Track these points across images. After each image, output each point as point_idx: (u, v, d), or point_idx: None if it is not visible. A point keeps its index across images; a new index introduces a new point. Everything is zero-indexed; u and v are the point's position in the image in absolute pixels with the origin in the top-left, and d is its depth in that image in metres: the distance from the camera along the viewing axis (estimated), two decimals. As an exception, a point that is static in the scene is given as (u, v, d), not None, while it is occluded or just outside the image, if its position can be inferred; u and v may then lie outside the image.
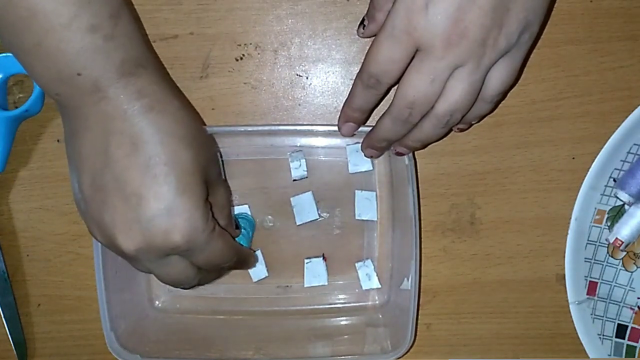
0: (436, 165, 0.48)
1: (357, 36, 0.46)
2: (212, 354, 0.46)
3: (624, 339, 0.48)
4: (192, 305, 0.50)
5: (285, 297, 0.49)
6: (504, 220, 0.48)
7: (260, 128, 0.46)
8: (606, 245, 0.47)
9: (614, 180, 0.46)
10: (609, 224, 0.47)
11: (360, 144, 0.45)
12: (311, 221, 0.48)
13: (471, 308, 0.49)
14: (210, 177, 0.38)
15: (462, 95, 0.36)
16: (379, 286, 0.48)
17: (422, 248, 0.47)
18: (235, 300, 0.49)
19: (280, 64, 0.47)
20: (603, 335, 0.47)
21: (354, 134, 0.43)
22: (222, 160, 0.47)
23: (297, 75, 0.47)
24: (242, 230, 0.46)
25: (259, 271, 0.48)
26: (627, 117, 0.45)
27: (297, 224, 0.48)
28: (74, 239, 0.49)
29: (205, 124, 0.46)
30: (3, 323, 0.48)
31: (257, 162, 0.48)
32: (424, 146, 0.42)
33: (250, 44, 0.47)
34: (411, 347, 0.43)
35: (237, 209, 0.48)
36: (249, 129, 0.46)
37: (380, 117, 0.40)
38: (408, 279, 0.44)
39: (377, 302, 0.49)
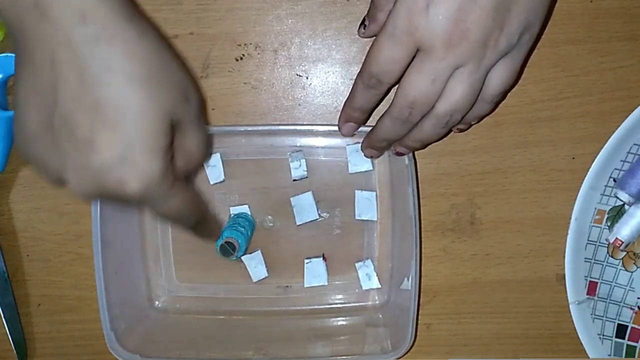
0: (436, 165, 0.48)
1: (357, 36, 0.46)
2: (212, 354, 0.46)
3: (624, 339, 0.48)
4: (192, 305, 0.50)
5: (285, 297, 0.49)
6: (504, 220, 0.48)
7: (260, 128, 0.46)
8: (606, 245, 0.47)
9: (614, 180, 0.46)
10: (609, 224, 0.47)
11: (360, 144, 0.45)
12: (311, 221, 0.48)
13: (471, 308, 0.49)
14: (178, 120, 0.34)
15: (463, 95, 0.36)
16: (379, 286, 0.48)
17: (422, 248, 0.47)
18: (235, 300, 0.49)
19: (280, 64, 0.47)
20: (603, 335, 0.47)
21: (354, 134, 0.43)
22: (223, 161, 0.47)
23: (297, 75, 0.47)
24: (242, 230, 0.46)
25: (259, 271, 0.48)
26: (627, 117, 0.45)
27: (297, 224, 0.48)
28: (74, 239, 0.49)
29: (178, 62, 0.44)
30: (3, 323, 0.48)
31: (257, 162, 0.48)
32: (424, 146, 0.42)
33: (250, 44, 0.47)
34: (411, 347, 0.43)
35: (237, 209, 0.48)
36: (249, 129, 0.45)
37: (381, 117, 0.40)
38: (408, 279, 0.44)
39: (377, 302, 0.49)
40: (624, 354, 0.48)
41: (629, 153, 0.46)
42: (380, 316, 0.48)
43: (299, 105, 0.48)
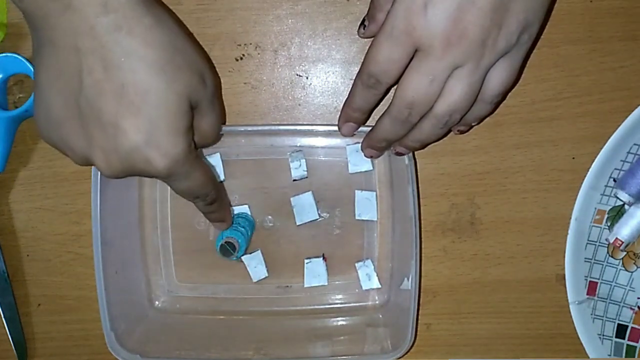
0: (436, 165, 0.48)
1: (357, 36, 0.46)
2: (212, 354, 0.46)
3: (624, 339, 0.48)
4: (192, 305, 0.50)
5: (285, 297, 0.49)
6: (504, 220, 0.48)
7: (260, 128, 0.46)
8: (606, 245, 0.47)
9: (614, 180, 0.46)
10: (609, 224, 0.47)
11: (360, 144, 0.45)
12: (311, 221, 0.48)
13: (471, 308, 0.49)
14: (195, 101, 0.36)
15: (461, 95, 0.36)
16: (379, 286, 0.48)
17: (422, 248, 0.47)
18: (235, 300, 0.49)
19: (280, 64, 0.47)
20: (603, 335, 0.47)
21: (354, 134, 0.43)
22: (223, 161, 0.47)
23: (297, 75, 0.47)
24: (242, 230, 0.46)
25: (259, 271, 0.48)
26: (627, 117, 0.45)
27: (297, 224, 0.48)
28: (74, 239, 0.49)
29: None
30: (3, 323, 0.48)
31: (257, 162, 0.48)
32: (424, 146, 0.42)
33: (250, 44, 0.47)
34: (411, 347, 0.43)
35: (237, 209, 0.48)
36: (249, 129, 0.45)
37: (380, 117, 0.40)
38: (408, 279, 0.44)
39: (377, 302, 0.49)
40: (624, 354, 0.48)
41: (629, 153, 0.46)
42: (380, 316, 0.48)
43: (299, 105, 0.48)
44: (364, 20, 0.44)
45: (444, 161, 0.48)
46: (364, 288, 0.49)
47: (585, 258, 0.47)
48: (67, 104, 0.34)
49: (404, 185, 0.43)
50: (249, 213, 0.48)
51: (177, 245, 0.49)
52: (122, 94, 0.33)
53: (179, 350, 0.46)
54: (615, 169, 0.46)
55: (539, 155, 0.47)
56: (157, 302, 0.50)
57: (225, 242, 0.45)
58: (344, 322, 0.49)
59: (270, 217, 0.49)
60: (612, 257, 0.48)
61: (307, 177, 0.48)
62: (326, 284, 0.48)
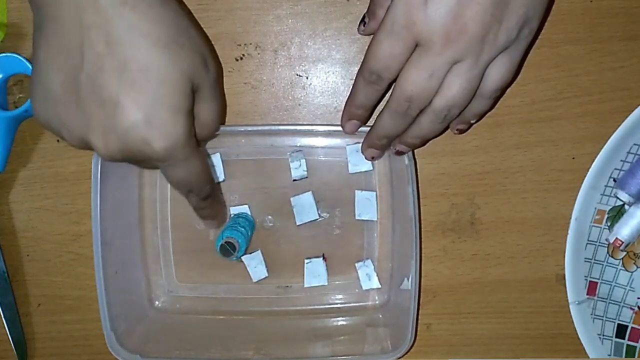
0: (436, 165, 0.48)
1: (357, 36, 0.46)
2: (212, 354, 0.46)
3: (624, 339, 0.48)
4: (192, 305, 0.50)
5: (285, 297, 0.49)
6: (504, 220, 0.48)
7: (260, 128, 0.46)
8: (606, 245, 0.47)
9: (614, 180, 0.46)
10: (609, 224, 0.47)
11: (360, 145, 0.45)
12: (311, 221, 0.48)
13: (471, 308, 0.49)
14: (197, 85, 0.35)
15: (460, 90, 0.36)
16: (379, 286, 0.48)
17: (422, 248, 0.47)
18: (235, 300, 0.49)
19: (280, 64, 0.47)
20: (603, 335, 0.47)
21: (355, 133, 0.43)
22: (223, 161, 0.47)
23: (297, 75, 0.47)
24: (242, 230, 0.46)
25: (259, 271, 0.48)
26: (627, 117, 0.45)
27: (297, 224, 0.48)
28: (74, 239, 0.49)
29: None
30: (3, 323, 0.48)
31: (257, 162, 0.48)
32: (423, 143, 0.42)
33: (250, 44, 0.47)
34: (411, 347, 0.43)
35: (237, 209, 0.48)
36: (249, 129, 0.45)
37: (380, 113, 0.40)
38: (408, 279, 0.44)
39: (377, 302, 0.49)
40: (624, 354, 0.48)
41: (629, 153, 0.46)
42: (380, 316, 0.48)
43: (299, 105, 0.48)
44: (364, 17, 0.44)
45: (444, 161, 0.48)
46: (364, 288, 0.49)
47: (585, 258, 0.47)
48: (66, 80, 0.33)
49: (404, 185, 0.43)
50: (249, 213, 0.48)
51: (177, 245, 0.49)
52: (123, 70, 0.32)
53: (179, 350, 0.46)
54: (615, 169, 0.46)
55: (539, 155, 0.47)
56: (157, 302, 0.50)
57: (225, 242, 0.45)
58: (344, 322, 0.49)
59: (270, 217, 0.49)
60: (612, 257, 0.48)
61: (307, 177, 0.48)
62: (326, 284, 0.48)
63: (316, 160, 0.48)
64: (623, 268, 0.48)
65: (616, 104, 0.47)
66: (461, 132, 0.43)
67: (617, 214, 0.47)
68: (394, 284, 0.48)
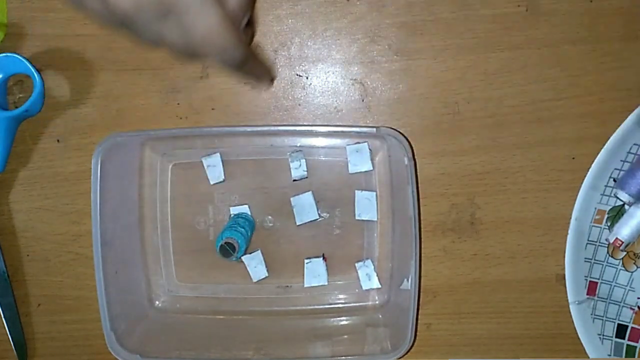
0: (436, 165, 0.48)
1: (357, 36, 0.46)
2: (212, 354, 0.46)
3: (624, 339, 0.48)
4: (192, 305, 0.50)
5: (285, 297, 0.49)
6: (504, 220, 0.48)
7: (260, 128, 0.46)
8: (606, 245, 0.47)
9: (614, 180, 0.46)
10: (609, 224, 0.47)
11: (360, 144, 0.45)
12: (311, 221, 0.48)
13: (471, 308, 0.49)
14: None
15: None
16: (379, 286, 0.48)
17: (422, 248, 0.47)
18: (235, 300, 0.49)
19: (280, 64, 0.47)
20: (603, 335, 0.47)
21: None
22: (223, 161, 0.47)
23: (297, 75, 0.47)
24: (242, 230, 0.46)
25: (259, 271, 0.48)
26: (627, 117, 0.45)
27: (297, 224, 0.48)
28: (74, 239, 0.49)
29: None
30: (3, 323, 0.48)
31: (257, 162, 0.48)
32: None
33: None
34: (411, 347, 0.43)
35: (237, 209, 0.48)
36: (249, 129, 0.45)
37: None
38: (408, 279, 0.44)
39: (377, 302, 0.49)
40: (624, 354, 0.48)
41: (629, 153, 0.46)
42: (380, 316, 0.48)
43: (299, 105, 0.48)
44: None
45: (444, 161, 0.48)
46: (364, 288, 0.49)
47: (585, 258, 0.47)
48: None
49: (404, 185, 0.43)
50: (249, 213, 0.48)
51: (177, 245, 0.49)
52: None
53: (179, 350, 0.46)
54: (615, 169, 0.46)
55: (539, 155, 0.47)
56: (157, 302, 0.50)
57: (225, 243, 0.45)
58: (344, 322, 0.49)
59: (270, 217, 0.49)
60: (612, 257, 0.48)
61: (307, 177, 0.48)
62: (326, 284, 0.48)
63: (316, 160, 0.48)
64: (623, 268, 0.48)
65: (616, 104, 0.47)
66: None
67: (617, 214, 0.47)
68: (394, 284, 0.48)
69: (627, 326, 0.48)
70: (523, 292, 0.49)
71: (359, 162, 0.47)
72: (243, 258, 0.48)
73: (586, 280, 0.47)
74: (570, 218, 0.47)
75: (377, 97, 0.47)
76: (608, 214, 0.47)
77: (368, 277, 0.48)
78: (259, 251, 0.48)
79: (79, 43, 0.47)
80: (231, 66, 0.37)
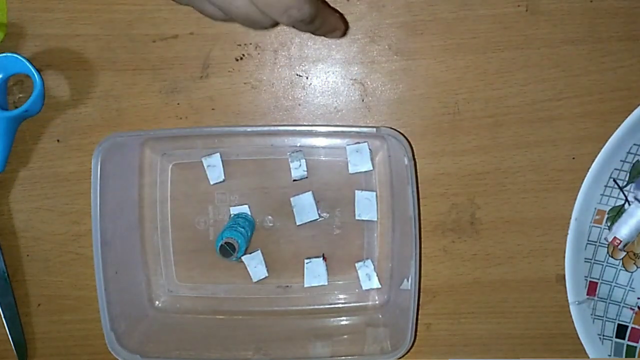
0: (436, 165, 0.48)
1: (357, 36, 0.46)
2: (212, 354, 0.46)
3: (624, 339, 0.48)
4: (192, 305, 0.50)
5: (285, 297, 0.49)
6: (504, 220, 0.48)
7: (260, 128, 0.46)
8: (606, 246, 0.47)
9: (614, 180, 0.46)
10: (609, 224, 0.47)
11: (360, 144, 0.45)
12: (311, 221, 0.48)
13: (471, 308, 0.49)
14: None
15: None
16: (379, 286, 0.48)
17: (422, 248, 0.47)
18: (235, 300, 0.49)
19: (280, 64, 0.47)
20: (603, 335, 0.47)
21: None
22: (223, 161, 0.47)
23: (297, 75, 0.47)
24: (242, 230, 0.46)
25: (259, 271, 0.48)
26: (627, 117, 0.45)
27: (297, 224, 0.48)
28: (74, 239, 0.49)
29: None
30: (3, 323, 0.48)
31: (257, 162, 0.48)
32: None
33: (250, 44, 0.47)
34: (411, 347, 0.43)
35: (237, 209, 0.48)
36: (249, 129, 0.45)
37: None
38: (408, 279, 0.44)
39: (377, 302, 0.49)
40: (624, 354, 0.47)
41: (629, 153, 0.46)
42: (380, 316, 0.48)
43: (299, 105, 0.48)
44: None
45: (444, 161, 0.48)
46: (364, 288, 0.49)
47: (585, 258, 0.47)
48: None
49: (404, 185, 0.43)
50: (249, 213, 0.48)
51: (177, 245, 0.49)
52: None
53: (179, 350, 0.46)
54: (615, 169, 0.46)
55: (539, 155, 0.47)
56: (157, 302, 0.50)
57: (225, 243, 0.45)
58: (344, 322, 0.49)
59: (270, 217, 0.49)
60: (612, 257, 0.48)
61: (307, 177, 0.48)
62: (326, 284, 0.48)
63: (316, 160, 0.48)
64: (623, 268, 0.48)
65: (616, 104, 0.47)
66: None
67: (617, 214, 0.47)
68: (394, 284, 0.48)
69: (627, 326, 0.48)
70: (523, 292, 0.49)
71: (359, 162, 0.47)
72: (243, 258, 0.48)
73: (586, 280, 0.47)
74: (570, 218, 0.47)
75: (377, 97, 0.47)
76: (608, 214, 0.47)
77: (368, 277, 0.48)
78: (259, 251, 0.48)
79: (79, 43, 0.47)
80: (303, 23, 0.35)
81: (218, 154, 0.47)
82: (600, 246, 0.47)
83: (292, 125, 0.48)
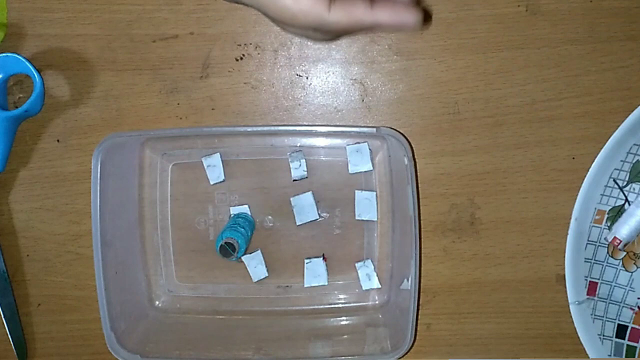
0: (436, 165, 0.48)
1: (357, 36, 0.46)
2: (212, 354, 0.46)
3: (624, 339, 0.48)
4: (192, 305, 0.50)
5: (285, 297, 0.49)
6: (504, 220, 0.48)
7: (260, 128, 0.46)
8: (606, 246, 0.47)
9: (614, 180, 0.46)
10: (609, 224, 0.47)
11: (360, 144, 0.45)
12: (311, 221, 0.48)
13: (471, 308, 0.49)
14: None
15: None
16: (379, 286, 0.48)
17: (422, 248, 0.47)
18: (235, 300, 0.49)
19: (280, 64, 0.47)
20: (603, 335, 0.47)
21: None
22: (223, 161, 0.47)
23: (297, 75, 0.47)
24: (242, 230, 0.46)
25: (259, 271, 0.48)
26: (627, 117, 0.45)
27: (297, 224, 0.48)
28: (74, 239, 0.49)
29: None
30: (3, 323, 0.48)
31: (257, 162, 0.48)
32: None
33: (250, 44, 0.47)
34: (411, 347, 0.43)
35: (237, 209, 0.48)
36: (249, 129, 0.46)
37: None
38: (408, 279, 0.44)
39: (377, 302, 0.49)
40: (624, 354, 0.47)
41: (629, 153, 0.46)
42: (380, 316, 0.48)
43: (299, 105, 0.48)
44: None
45: (444, 161, 0.48)
46: (364, 288, 0.49)
47: (585, 258, 0.47)
48: None
49: (404, 185, 0.43)
50: (249, 213, 0.48)
51: (177, 245, 0.49)
52: None
53: (179, 350, 0.46)
54: (615, 169, 0.46)
55: (539, 155, 0.47)
56: (157, 302, 0.50)
57: (225, 243, 0.45)
58: (344, 322, 0.49)
59: (270, 217, 0.49)
60: (612, 257, 0.48)
61: (307, 177, 0.48)
62: (326, 284, 0.48)
63: (316, 160, 0.48)
64: (623, 268, 0.48)
65: (616, 104, 0.47)
66: None
67: (617, 214, 0.47)
68: (394, 284, 0.48)
69: (627, 326, 0.48)
70: (523, 292, 0.49)
71: (359, 162, 0.47)
72: (243, 258, 0.48)
73: (586, 280, 0.47)
74: (570, 218, 0.47)
75: (377, 97, 0.47)
76: (608, 214, 0.47)
77: (368, 277, 0.48)
78: (259, 251, 0.48)
79: (79, 43, 0.47)
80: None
81: (218, 154, 0.47)
82: (600, 246, 0.47)
83: (292, 125, 0.48)
